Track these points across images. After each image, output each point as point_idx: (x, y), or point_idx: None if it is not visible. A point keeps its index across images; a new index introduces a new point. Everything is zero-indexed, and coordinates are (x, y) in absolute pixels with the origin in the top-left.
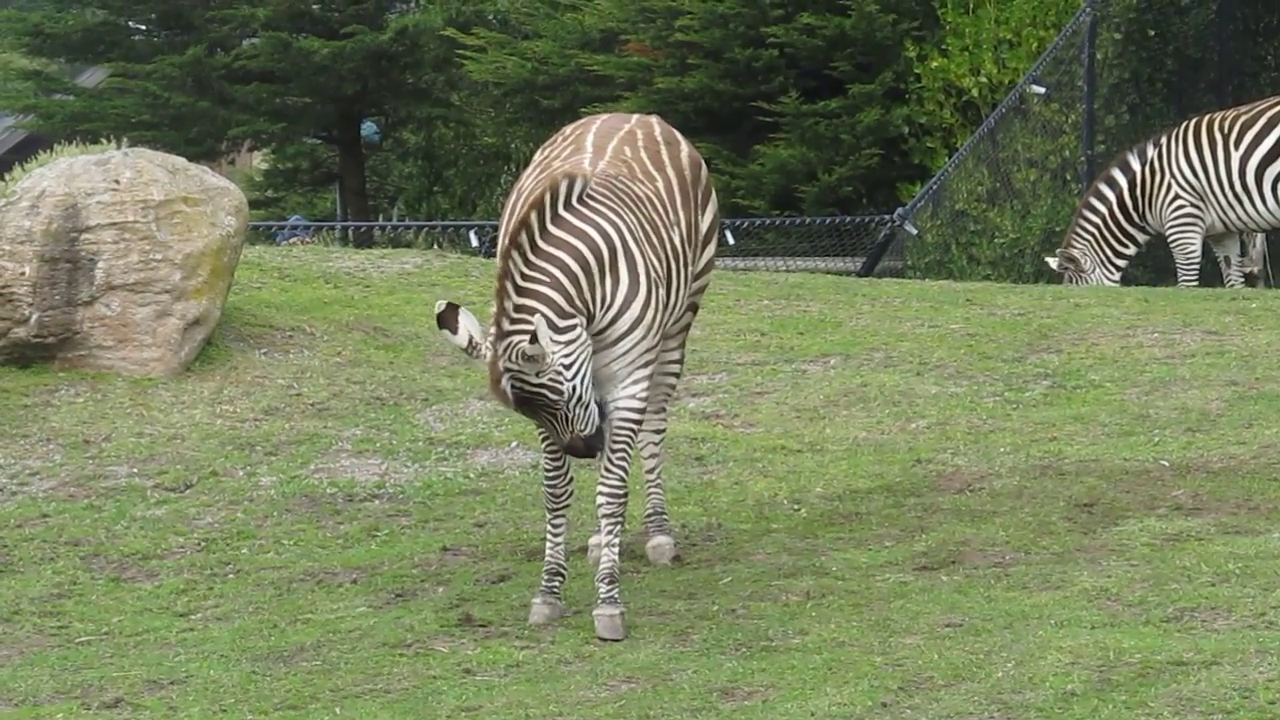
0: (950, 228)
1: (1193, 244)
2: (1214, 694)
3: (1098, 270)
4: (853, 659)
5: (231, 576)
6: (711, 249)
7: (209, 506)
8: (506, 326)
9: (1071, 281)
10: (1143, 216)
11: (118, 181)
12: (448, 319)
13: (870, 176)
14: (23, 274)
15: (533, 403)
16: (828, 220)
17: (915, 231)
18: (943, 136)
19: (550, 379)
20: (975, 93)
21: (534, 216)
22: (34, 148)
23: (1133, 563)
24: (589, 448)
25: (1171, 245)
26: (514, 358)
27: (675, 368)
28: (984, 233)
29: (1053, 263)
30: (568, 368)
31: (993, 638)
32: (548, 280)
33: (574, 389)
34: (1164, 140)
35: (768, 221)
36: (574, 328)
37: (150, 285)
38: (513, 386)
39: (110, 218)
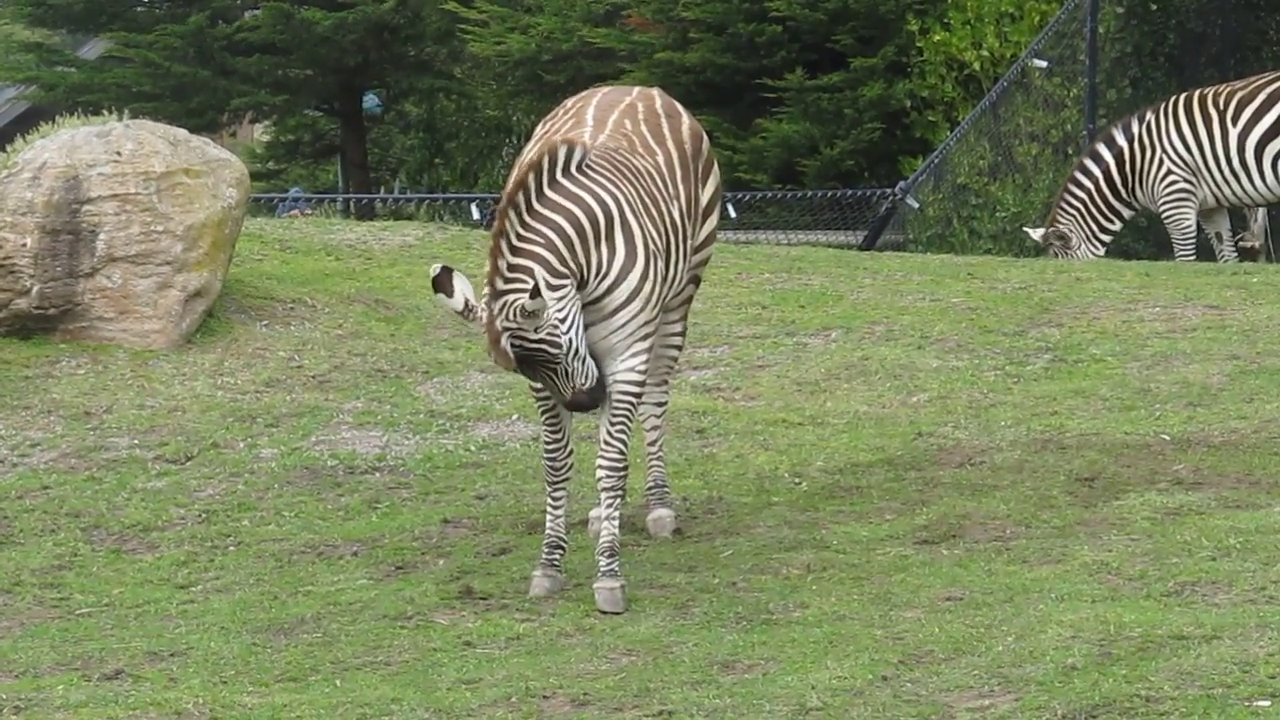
0: (952, 201)
1: (1188, 219)
2: (1214, 668)
3: (1083, 245)
4: (853, 632)
5: (232, 549)
6: (713, 221)
7: (210, 478)
8: (501, 286)
9: (1056, 256)
10: (1131, 193)
11: (119, 153)
12: (443, 282)
13: (872, 150)
14: (24, 245)
15: (533, 360)
16: (829, 194)
17: (917, 205)
18: (944, 110)
19: (548, 334)
20: (977, 66)
21: (531, 179)
22: (36, 119)
23: (1133, 537)
24: (593, 400)
25: (1166, 221)
26: (511, 315)
27: (677, 340)
28: (985, 206)
29: (1035, 234)
30: (562, 321)
31: (993, 611)
32: (541, 241)
33: (570, 342)
34: (1151, 116)
35: (769, 195)
36: (565, 287)
37: (151, 257)
38: (512, 345)
39: (112, 189)
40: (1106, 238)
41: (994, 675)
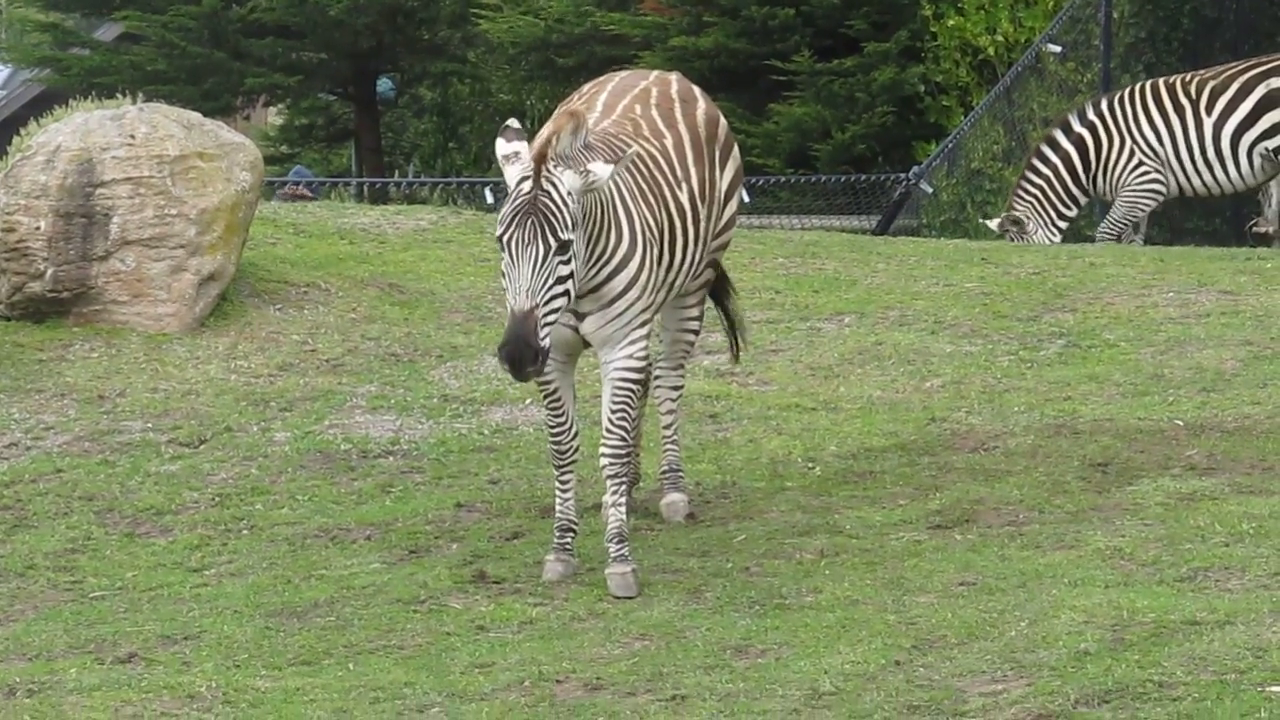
0: (966, 186)
1: (1145, 210)
2: (1227, 653)
3: (1040, 230)
4: (866, 617)
5: (245, 532)
6: (734, 206)
7: (223, 462)
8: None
9: (1012, 241)
10: (1091, 181)
11: (133, 136)
12: (509, 132)
13: (886, 135)
14: (38, 229)
15: (531, 215)
16: (843, 179)
17: (930, 190)
18: (959, 95)
19: (570, 210)
20: (991, 51)
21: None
22: (50, 103)
23: (1147, 522)
24: (520, 353)
25: (1124, 205)
26: (557, 151)
27: (694, 324)
28: (999, 191)
29: (993, 225)
30: (574, 234)
31: (1006, 597)
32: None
33: (570, 245)
34: (1110, 104)
35: (783, 180)
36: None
37: (165, 240)
38: (537, 193)
39: (125, 173)
40: (1063, 224)
41: (1007, 660)
